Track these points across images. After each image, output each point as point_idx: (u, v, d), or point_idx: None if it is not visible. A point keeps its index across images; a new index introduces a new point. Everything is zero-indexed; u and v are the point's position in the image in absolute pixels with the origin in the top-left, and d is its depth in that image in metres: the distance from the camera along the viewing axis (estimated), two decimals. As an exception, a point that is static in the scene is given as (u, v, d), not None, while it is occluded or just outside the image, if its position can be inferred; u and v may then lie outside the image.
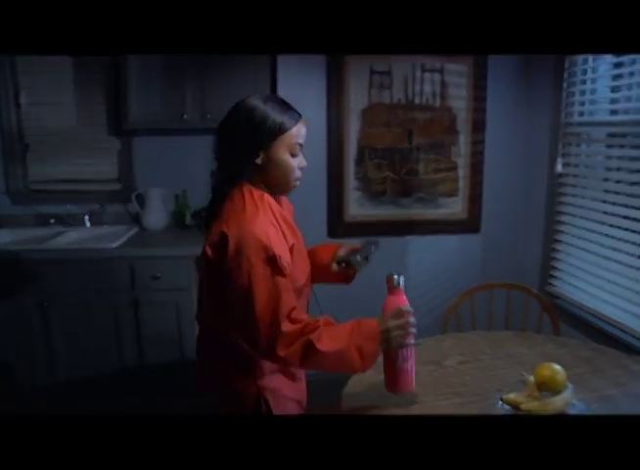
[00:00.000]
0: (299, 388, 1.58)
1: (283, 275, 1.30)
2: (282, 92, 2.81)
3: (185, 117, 2.75)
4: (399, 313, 1.30)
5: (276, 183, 1.42)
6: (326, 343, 1.28)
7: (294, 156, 1.40)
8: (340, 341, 1.29)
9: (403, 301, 1.34)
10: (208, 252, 1.34)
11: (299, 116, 1.42)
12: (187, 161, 3.06)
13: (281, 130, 1.37)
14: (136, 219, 3.06)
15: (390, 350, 1.32)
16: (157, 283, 2.59)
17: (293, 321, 1.29)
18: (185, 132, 2.99)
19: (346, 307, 3.11)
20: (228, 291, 1.31)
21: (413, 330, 1.31)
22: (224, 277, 1.30)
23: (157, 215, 2.99)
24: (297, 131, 1.40)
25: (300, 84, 2.84)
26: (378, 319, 1.32)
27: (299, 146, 1.42)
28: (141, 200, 3.01)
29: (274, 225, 1.35)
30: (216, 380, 1.52)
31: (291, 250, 1.38)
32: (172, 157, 3.06)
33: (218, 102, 2.74)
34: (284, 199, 1.57)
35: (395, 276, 1.33)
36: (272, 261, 1.28)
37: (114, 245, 2.60)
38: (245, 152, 1.37)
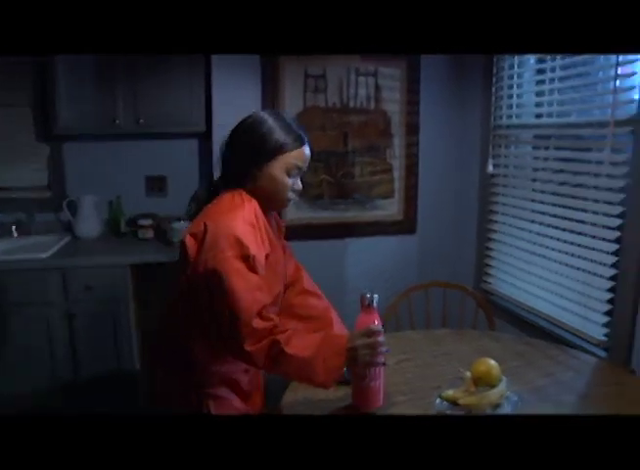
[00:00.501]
0: (252, 403, 1.58)
1: (255, 273, 1.32)
2: (217, 96, 2.79)
3: (117, 122, 2.67)
4: (369, 333, 1.30)
5: (267, 198, 1.46)
6: (294, 347, 1.28)
7: (290, 176, 1.44)
8: (308, 348, 1.29)
9: (375, 319, 1.36)
10: (188, 241, 1.37)
11: (304, 139, 1.46)
12: (120, 166, 2.98)
13: (281, 150, 1.41)
14: (68, 228, 2.94)
15: (357, 368, 1.32)
16: (91, 294, 2.50)
17: (264, 318, 1.30)
18: (118, 137, 2.91)
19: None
20: (202, 282, 1.33)
21: (382, 350, 1.30)
22: (200, 267, 1.32)
23: (90, 223, 2.89)
24: (298, 154, 1.45)
25: (235, 88, 2.82)
26: (348, 336, 1.33)
27: (298, 169, 1.46)
28: (73, 207, 2.90)
29: (254, 228, 1.38)
30: (164, 389, 1.53)
31: (266, 257, 1.40)
32: (105, 162, 2.97)
33: (152, 107, 2.69)
34: (275, 216, 1.64)
35: (368, 295, 1.35)
36: (246, 258, 1.31)
37: (44, 255, 2.50)
38: (246, 162, 1.43)
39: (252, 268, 1.32)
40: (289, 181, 1.45)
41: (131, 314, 2.59)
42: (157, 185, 3.07)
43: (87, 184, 2.95)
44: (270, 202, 1.48)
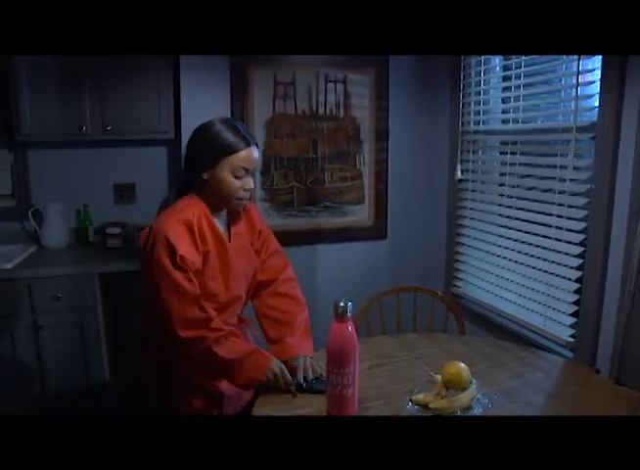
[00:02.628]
0: (223, 384, 1.63)
1: (182, 270, 1.46)
2: (185, 102, 2.77)
3: (84, 129, 2.62)
4: (289, 367, 1.53)
5: (217, 200, 1.59)
6: (222, 348, 1.47)
7: (237, 177, 1.55)
8: (234, 353, 1.48)
9: (349, 327, 1.36)
10: (141, 243, 1.55)
11: (250, 142, 1.55)
12: (88, 174, 2.94)
13: (225, 153, 1.53)
14: (34, 237, 2.88)
15: (331, 377, 1.37)
16: (58, 304, 2.45)
17: (200, 309, 1.47)
18: (85, 144, 2.86)
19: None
20: (147, 278, 1.51)
21: (290, 387, 1.50)
22: (144, 266, 1.52)
23: (56, 233, 2.83)
24: (245, 156, 1.54)
25: (204, 94, 2.80)
26: (272, 361, 1.53)
27: (244, 170, 1.56)
28: (38, 216, 2.84)
29: (190, 229, 1.51)
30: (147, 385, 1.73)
31: (205, 255, 1.54)
32: (72, 170, 2.92)
33: (119, 113, 2.65)
34: (251, 218, 1.78)
35: (342, 303, 1.35)
36: (172, 256, 1.46)
37: (8, 266, 2.43)
38: (194, 167, 1.56)
39: (177, 265, 1.46)
40: (237, 182, 1.56)
41: (100, 324, 2.54)
42: (125, 193, 3.03)
43: (53, 192, 2.89)
44: (221, 203, 1.61)
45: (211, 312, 1.51)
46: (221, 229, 1.64)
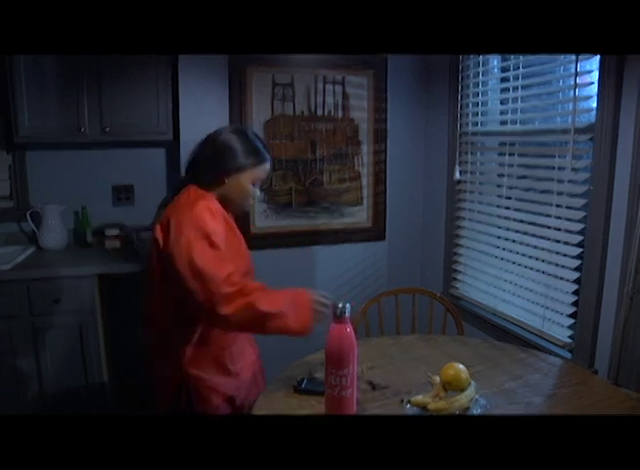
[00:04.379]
0: (232, 383, 1.68)
1: (217, 248, 1.50)
2: (184, 104, 2.77)
3: (83, 130, 2.62)
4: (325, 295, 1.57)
5: (227, 201, 1.66)
6: (266, 304, 1.48)
7: (253, 186, 1.67)
8: (277, 303, 1.51)
9: (347, 328, 1.36)
10: (157, 231, 1.56)
11: (268, 157, 1.69)
12: (86, 176, 2.94)
13: (257, 163, 1.64)
14: (32, 239, 2.88)
15: (329, 378, 1.37)
16: (57, 306, 2.44)
17: (231, 284, 1.47)
18: (83, 146, 2.86)
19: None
20: (174, 266, 1.49)
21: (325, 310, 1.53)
22: (170, 254, 1.50)
23: (54, 234, 2.83)
24: (267, 169, 1.69)
25: (202, 96, 2.80)
26: (308, 290, 1.60)
27: (261, 180, 1.70)
28: (37, 218, 2.84)
29: (213, 215, 1.55)
30: (153, 374, 1.73)
31: (227, 239, 1.58)
32: (70, 172, 2.92)
33: (118, 115, 2.65)
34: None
35: (340, 305, 1.35)
36: (206, 237, 1.49)
37: (7, 267, 2.43)
38: (219, 168, 1.62)
39: (213, 243, 1.50)
40: (253, 190, 1.68)
41: (99, 326, 2.54)
42: (124, 194, 3.03)
43: (52, 194, 2.89)
44: (232, 207, 1.70)
45: (240, 280, 1.52)
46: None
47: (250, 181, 1.65)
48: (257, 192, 1.71)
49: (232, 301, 1.45)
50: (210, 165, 1.63)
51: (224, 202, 1.66)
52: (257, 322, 1.49)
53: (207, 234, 1.50)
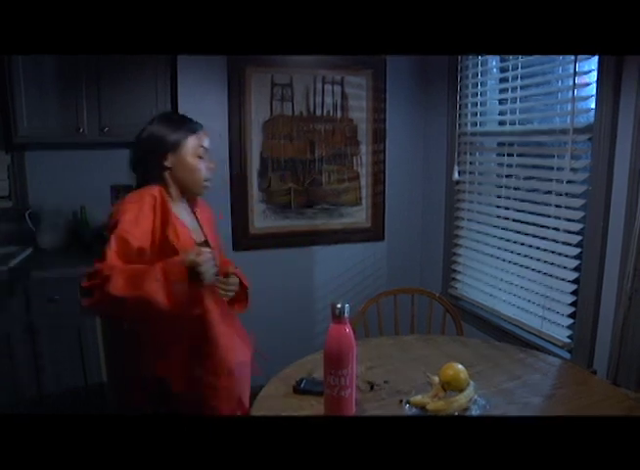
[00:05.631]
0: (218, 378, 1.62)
1: (118, 245, 1.44)
2: (183, 104, 2.77)
3: (82, 130, 2.62)
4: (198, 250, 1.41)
5: (183, 186, 1.63)
6: (121, 288, 1.33)
7: (200, 158, 1.62)
8: (138, 281, 1.35)
9: (346, 328, 1.36)
10: None
11: (196, 124, 1.67)
12: (85, 176, 2.93)
13: (188, 132, 1.61)
14: (31, 239, 2.87)
15: (328, 378, 1.36)
16: (55, 307, 2.44)
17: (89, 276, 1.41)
18: (82, 146, 2.86)
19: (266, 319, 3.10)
20: None
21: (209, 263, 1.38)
22: None
23: (53, 234, 2.83)
24: (202, 135, 1.65)
25: (201, 96, 2.81)
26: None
27: (205, 149, 1.64)
28: (35, 218, 2.83)
29: (144, 214, 1.52)
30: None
31: (157, 239, 1.52)
32: (69, 172, 2.91)
33: (117, 115, 2.65)
34: (202, 204, 1.79)
35: (339, 305, 1.35)
36: (113, 231, 1.46)
37: (5, 267, 2.42)
38: (153, 157, 1.59)
39: (116, 241, 1.45)
40: (201, 163, 1.63)
41: (97, 326, 2.53)
42: (122, 195, 3.01)
43: (50, 194, 2.88)
44: (189, 188, 1.65)
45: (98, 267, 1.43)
46: (187, 220, 1.67)
47: (192, 155, 1.62)
48: (211, 164, 1.67)
49: (88, 293, 1.39)
50: (147, 157, 1.62)
51: (180, 188, 1.64)
52: (121, 308, 1.39)
53: (115, 233, 1.46)
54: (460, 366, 1.47)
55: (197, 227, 1.71)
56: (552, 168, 2.27)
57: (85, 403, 2.54)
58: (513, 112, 2.53)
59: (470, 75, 2.81)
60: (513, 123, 2.54)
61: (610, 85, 1.93)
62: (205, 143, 1.66)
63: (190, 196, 1.70)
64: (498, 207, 2.64)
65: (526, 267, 2.44)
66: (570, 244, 2.18)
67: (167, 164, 1.60)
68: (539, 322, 2.35)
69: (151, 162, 1.61)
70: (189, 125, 1.64)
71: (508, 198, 2.55)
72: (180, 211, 1.64)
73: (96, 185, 2.97)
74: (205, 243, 1.70)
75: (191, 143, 1.61)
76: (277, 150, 2.97)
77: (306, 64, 2.94)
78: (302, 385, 1.55)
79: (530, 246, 2.40)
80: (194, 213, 1.74)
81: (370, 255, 3.25)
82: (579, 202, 2.12)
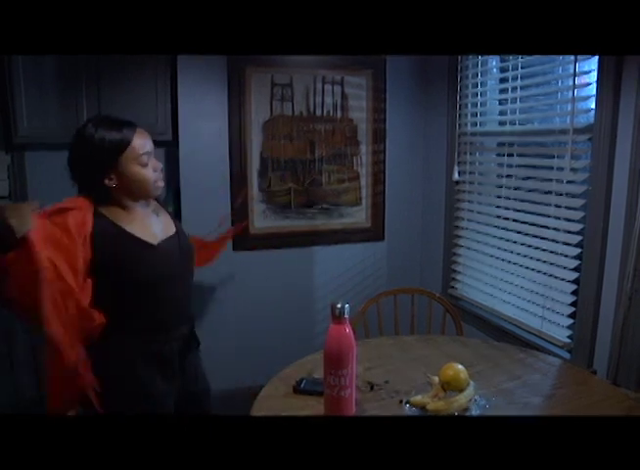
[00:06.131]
0: None
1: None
2: (183, 104, 2.77)
3: (81, 130, 2.62)
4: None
5: (137, 194, 1.54)
6: None
7: (144, 166, 1.51)
8: None
9: (346, 329, 1.36)
10: None
11: (134, 126, 1.51)
12: (85, 176, 2.92)
13: (121, 148, 1.47)
14: (30, 239, 2.87)
15: (328, 378, 1.35)
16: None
17: None
18: (82, 147, 2.85)
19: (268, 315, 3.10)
20: None
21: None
22: None
23: (53, 234, 2.82)
24: (140, 143, 1.51)
25: (202, 96, 2.81)
26: None
27: (147, 155, 1.52)
28: (35, 218, 2.83)
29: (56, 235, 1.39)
30: None
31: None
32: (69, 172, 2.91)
33: (117, 115, 2.64)
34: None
35: (339, 305, 1.35)
36: None
37: (5, 267, 2.43)
38: (93, 177, 1.49)
39: None
40: (147, 171, 1.52)
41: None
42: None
43: (51, 194, 2.86)
44: (141, 196, 1.56)
45: None
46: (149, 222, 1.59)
47: (135, 165, 1.50)
48: (158, 163, 1.58)
49: None
50: (84, 181, 1.52)
51: (130, 197, 1.53)
52: None
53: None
54: (460, 366, 1.47)
55: (161, 225, 1.63)
56: (552, 168, 2.27)
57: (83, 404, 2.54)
58: (513, 112, 2.53)
59: (470, 75, 2.81)
60: (513, 123, 2.54)
61: (610, 85, 1.93)
62: (147, 147, 1.53)
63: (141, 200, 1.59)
64: (498, 207, 2.64)
65: (526, 267, 2.44)
66: (570, 244, 2.18)
67: (111, 183, 1.49)
68: (539, 322, 2.35)
69: (91, 184, 1.50)
70: (121, 134, 1.48)
71: (508, 198, 2.55)
72: (129, 220, 1.55)
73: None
74: (175, 236, 1.64)
75: (130, 155, 1.49)
76: (277, 150, 2.97)
77: (306, 64, 2.94)
78: (302, 385, 1.55)
79: (530, 246, 2.40)
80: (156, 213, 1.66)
81: (370, 255, 3.25)
82: (579, 202, 2.12)
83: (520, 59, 2.42)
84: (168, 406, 1.60)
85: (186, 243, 1.70)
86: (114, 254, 1.47)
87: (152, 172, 1.54)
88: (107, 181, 1.48)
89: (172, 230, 1.66)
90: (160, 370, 1.57)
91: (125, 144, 1.48)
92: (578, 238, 2.13)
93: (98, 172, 1.48)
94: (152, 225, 1.60)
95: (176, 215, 2.82)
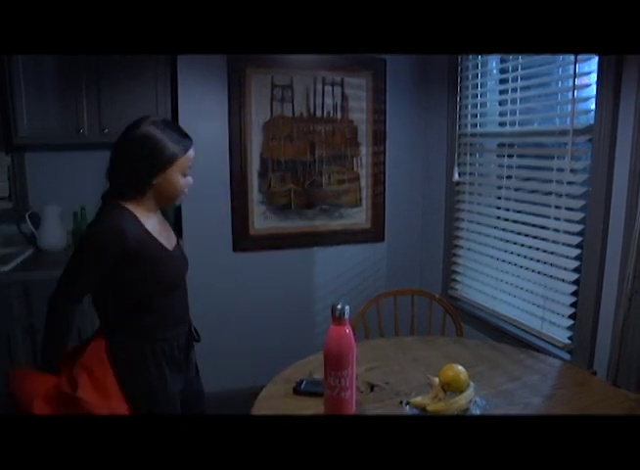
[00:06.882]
0: None
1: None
2: (183, 105, 2.77)
3: (82, 131, 2.62)
4: None
5: (162, 200, 1.58)
6: None
7: (185, 176, 1.57)
8: None
9: (346, 330, 1.36)
10: None
11: (191, 141, 1.58)
12: (85, 177, 2.92)
13: (176, 157, 1.51)
14: (31, 240, 2.87)
15: (328, 379, 1.36)
16: (55, 306, 2.44)
17: None
18: (82, 147, 2.85)
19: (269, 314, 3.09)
20: None
21: None
22: None
23: (54, 235, 2.82)
24: (192, 154, 1.57)
25: (202, 98, 2.81)
26: None
27: (189, 168, 1.58)
28: (36, 219, 2.83)
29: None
30: None
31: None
32: (69, 172, 2.91)
33: (117, 116, 2.64)
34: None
35: (339, 306, 1.35)
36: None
37: (5, 268, 2.42)
38: (141, 176, 1.50)
39: None
40: (184, 180, 1.57)
41: (96, 326, 2.53)
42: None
43: (50, 195, 2.88)
44: (167, 202, 1.61)
45: None
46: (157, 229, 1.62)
47: (179, 173, 1.53)
48: (190, 180, 1.60)
49: None
50: (132, 173, 1.50)
51: (157, 201, 1.57)
52: None
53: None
54: (460, 367, 1.47)
55: (166, 234, 1.66)
56: (552, 169, 2.27)
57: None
58: (513, 113, 2.53)
59: (470, 76, 2.81)
60: (513, 124, 2.54)
61: (610, 86, 1.93)
62: (191, 162, 1.58)
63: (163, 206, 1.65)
64: (498, 207, 2.64)
65: (526, 268, 2.43)
66: (570, 245, 2.18)
67: (154, 181, 1.51)
68: (539, 323, 2.35)
69: (136, 178, 1.51)
70: (184, 142, 1.54)
71: (508, 199, 2.55)
72: (152, 224, 1.58)
73: (96, 186, 2.96)
74: (178, 245, 1.69)
75: (182, 162, 1.53)
76: (277, 151, 2.97)
77: (306, 65, 2.94)
78: (303, 386, 1.55)
79: (530, 247, 2.40)
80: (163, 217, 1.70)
81: (370, 255, 3.25)
82: (579, 203, 2.12)
83: (520, 60, 2.42)
84: (177, 403, 1.63)
85: (184, 253, 1.75)
86: (140, 250, 1.50)
87: (185, 184, 1.58)
88: (154, 181, 1.51)
89: (174, 239, 1.70)
90: (170, 367, 1.60)
91: (185, 151, 1.54)
92: (578, 239, 2.13)
93: (149, 172, 1.50)
94: (165, 232, 1.65)
95: (176, 215, 2.83)
